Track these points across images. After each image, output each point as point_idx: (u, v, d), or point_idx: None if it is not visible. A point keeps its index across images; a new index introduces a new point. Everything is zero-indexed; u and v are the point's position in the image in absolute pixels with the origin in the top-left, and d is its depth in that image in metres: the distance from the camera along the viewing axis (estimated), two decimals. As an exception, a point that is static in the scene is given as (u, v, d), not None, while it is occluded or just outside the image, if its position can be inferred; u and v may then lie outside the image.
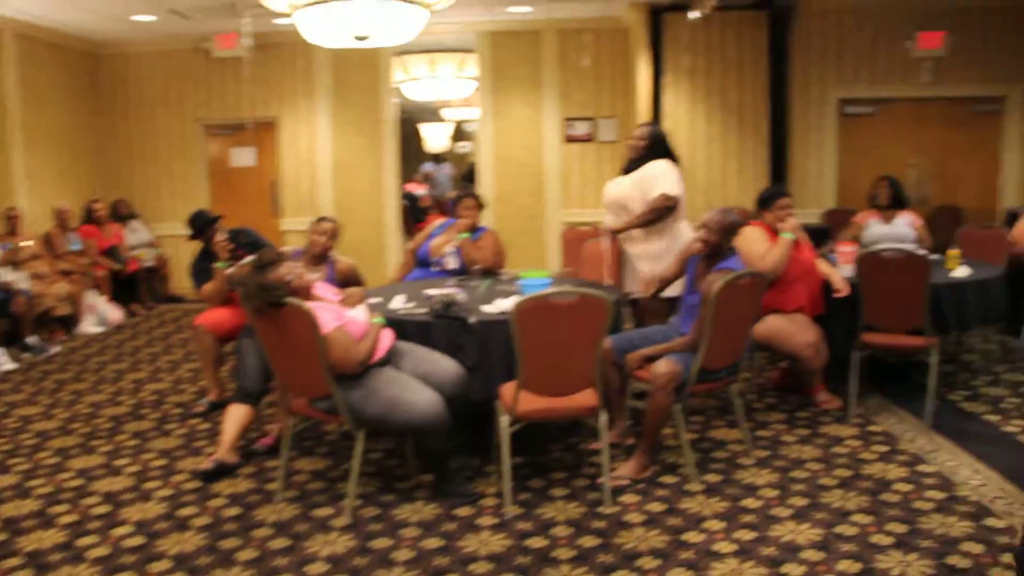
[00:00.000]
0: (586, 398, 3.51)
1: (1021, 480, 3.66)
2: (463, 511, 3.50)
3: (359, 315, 3.59)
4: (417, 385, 3.43)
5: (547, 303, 3.34)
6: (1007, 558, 2.96)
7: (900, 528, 3.22)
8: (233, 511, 3.58)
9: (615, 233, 4.82)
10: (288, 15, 5.03)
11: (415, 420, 3.36)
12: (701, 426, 4.50)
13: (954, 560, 2.96)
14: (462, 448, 3.74)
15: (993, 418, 4.54)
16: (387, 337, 3.64)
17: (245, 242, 4.91)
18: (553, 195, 9.32)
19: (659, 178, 4.67)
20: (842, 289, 4.53)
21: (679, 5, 7.83)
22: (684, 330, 3.95)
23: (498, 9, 8.50)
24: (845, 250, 4.86)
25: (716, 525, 3.31)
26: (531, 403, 3.47)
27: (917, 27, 8.11)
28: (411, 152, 12.97)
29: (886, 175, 5.88)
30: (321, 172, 9.48)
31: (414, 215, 10.67)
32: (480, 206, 5.31)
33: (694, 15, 7.64)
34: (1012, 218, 5.83)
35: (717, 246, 3.89)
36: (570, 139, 9.23)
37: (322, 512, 3.54)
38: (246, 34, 8.41)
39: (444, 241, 5.25)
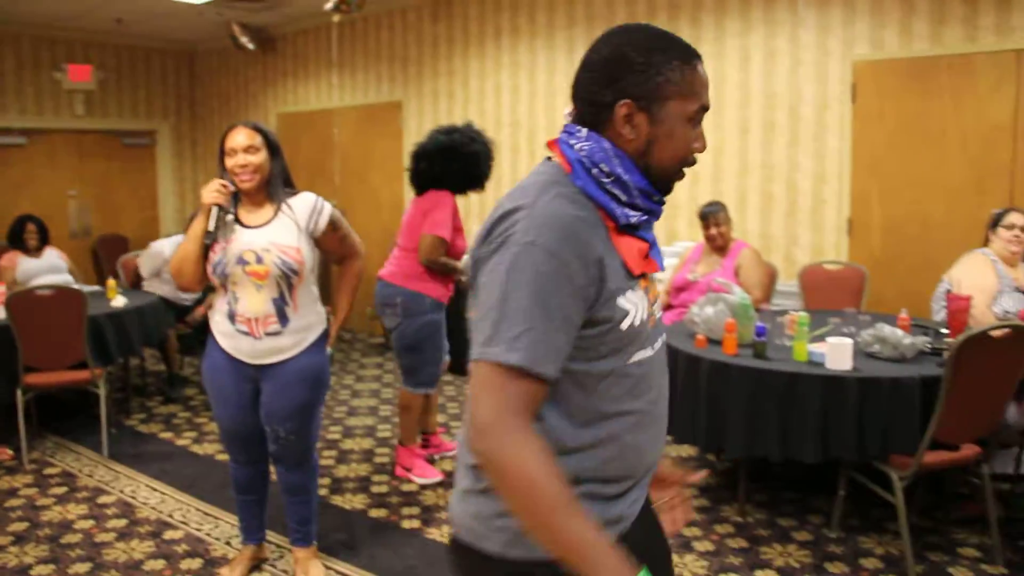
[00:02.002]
0: None
1: (194, 488, 3.99)
2: None
3: None
4: None
5: None
6: (186, 564, 3.17)
7: (84, 567, 3.15)
8: None
9: None
10: None
11: None
12: None
13: (138, 582, 3.04)
14: None
15: (168, 435, 4.80)
16: None
17: None
18: None
19: None
20: None
21: None
22: None
23: None
24: (-4, 291, 4.51)
25: None
26: None
27: (66, 59, 8.02)
28: None
29: (28, 215, 5.56)
30: None
31: None
32: None
33: None
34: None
35: None
36: None
37: None
38: None
39: None
